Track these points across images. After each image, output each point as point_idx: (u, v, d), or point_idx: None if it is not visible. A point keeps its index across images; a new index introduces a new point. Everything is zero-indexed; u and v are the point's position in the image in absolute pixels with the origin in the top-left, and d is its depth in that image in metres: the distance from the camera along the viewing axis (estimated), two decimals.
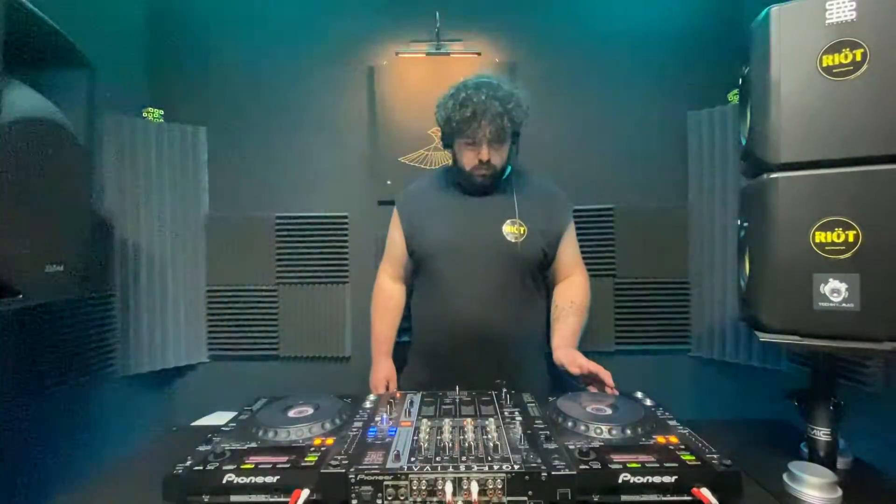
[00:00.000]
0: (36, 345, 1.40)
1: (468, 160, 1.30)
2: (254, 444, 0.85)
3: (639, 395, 1.09)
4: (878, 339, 0.78)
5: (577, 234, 1.50)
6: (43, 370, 1.42)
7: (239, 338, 2.07)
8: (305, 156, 2.09)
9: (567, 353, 1.21)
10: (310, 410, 0.97)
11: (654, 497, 0.73)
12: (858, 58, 0.79)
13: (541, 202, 1.39)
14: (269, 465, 0.76)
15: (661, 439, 0.84)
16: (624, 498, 0.73)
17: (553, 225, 1.38)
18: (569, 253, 1.43)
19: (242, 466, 0.76)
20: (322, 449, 0.82)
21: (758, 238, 0.88)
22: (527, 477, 0.72)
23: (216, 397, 1.94)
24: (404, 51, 2.05)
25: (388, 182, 2.03)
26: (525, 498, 0.72)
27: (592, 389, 1.13)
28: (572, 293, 1.39)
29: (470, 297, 1.31)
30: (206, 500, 0.75)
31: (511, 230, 1.32)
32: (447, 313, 1.34)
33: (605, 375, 1.12)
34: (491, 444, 0.81)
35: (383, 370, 1.46)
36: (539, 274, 1.41)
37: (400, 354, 2.08)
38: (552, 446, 0.80)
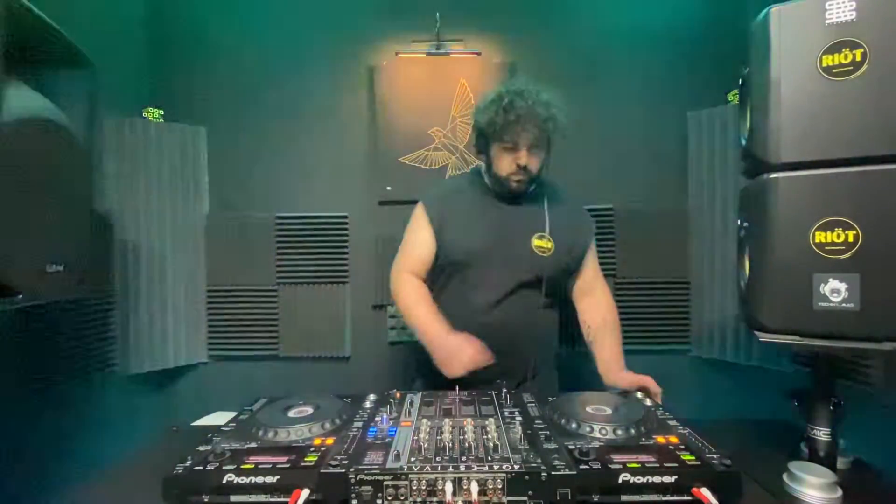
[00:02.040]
0: (36, 345, 1.40)
1: (505, 165, 1.30)
2: (254, 444, 0.85)
3: (639, 395, 1.09)
4: (878, 339, 0.78)
5: None
6: (43, 370, 1.42)
7: (239, 338, 2.07)
8: (305, 156, 2.09)
9: (615, 379, 1.25)
10: (310, 410, 0.97)
11: (654, 497, 0.73)
12: (858, 58, 0.79)
13: (568, 218, 1.40)
14: (269, 465, 0.76)
15: (661, 439, 0.84)
16: (624, 498, 0.73)
17: (578, 242, 1.40)
18: (591, 268, 1.44)
19: (242, 466, 0.76)
20: (322, 449, 0.82)
21: (758, 238, 0.88)
22: (527, 477, 0.72)
23: (216, 397, 1.94)
24: (404, 51, 2.05)
25: (388, 188, 2.04)
26: (525, 498, 0.72)
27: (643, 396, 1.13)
28: (603, 311, 1.40)
29: (495, 307, 1.32)
30: (206, 500, 0.75)
31: (540, 244, 1.33)
32: (471, 320, 1.32)
33: (651, 384, 1.16)
34: (491, 444, 0.81)
35: (463, 340, 1.21)
36: (559, 284, 1.42)
37: (401, 355, 2.09)
38: (552, 446, 0.80)
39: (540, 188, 1.41)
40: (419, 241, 1.42)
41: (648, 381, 1.16)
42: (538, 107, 1.23)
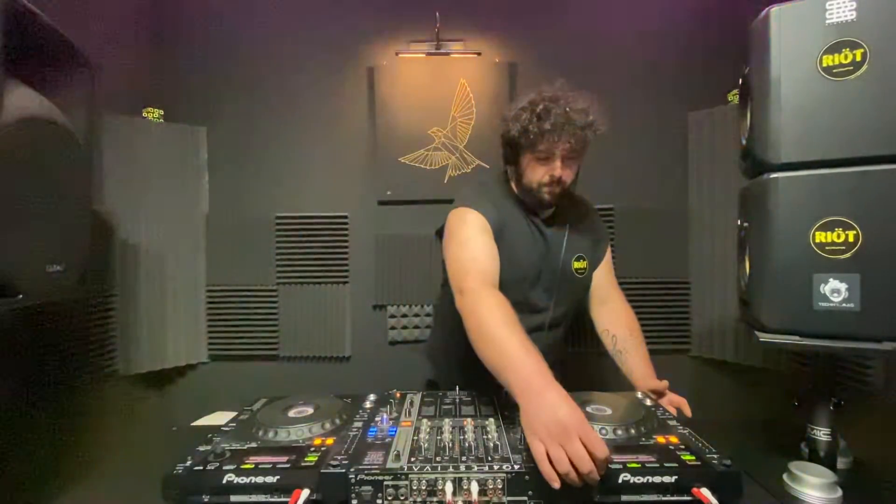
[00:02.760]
0: (36, 345, 1.40)
1: (537, 175, 1.21)
2: (254, 444, 0.85)
3: (639, 395, 1.09)
4: (878, 339, 0.78)
5: None
6: (43, 370, 1.42)
7: (239, 338, 2.07)
8: (305, 156, 2.09)
9: (652, 385, 1.22)
10: (310, 410, 0.97)
11: (654, 497, 0.73)
12: (858, 58, 0.79)
13: (592, 232, 1.39)
14: (269, 465, 0.76)
15: (661, 439, 0.84)
16: (624, 498, 0.73)
17: (597, 256, 1.40)
18: (607, 276, 1.42)
19: (242, 466, 0.76)
20: (322, 449, 0.81)
21: (758, 238, 0.88)
22: (527, 477, 0.72)
23: (216, 397, 1.94)
24: (404, 51, 2.05)
25: (388, 192, 2.04)
26: (525, 498, 0.72)
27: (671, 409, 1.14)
28: (627, 321, 1.37)
29: (539, 334, 1.30)
30: (206, 500, 0.75)
31: (579, 266, 1.33)
32: None
33: (683, 405, 1.18)
34: (491, 444, 0.81)
35: (570, 408, 0.76)
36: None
37: (401, 355, 2.09)
38: None
39: (572, 205, 1.37)
40: (489, 247, 1.19)
41: (683, 404, 1.17)
42: (575, 114, 1.15)
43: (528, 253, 1.28)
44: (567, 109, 1.15)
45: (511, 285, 1.23)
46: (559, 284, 1.30)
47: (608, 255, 1.44)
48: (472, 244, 1.19)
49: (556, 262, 1.30)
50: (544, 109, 1.15)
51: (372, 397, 1.07)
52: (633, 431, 0.86)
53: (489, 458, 0.76)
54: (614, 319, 1.38)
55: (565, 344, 1.47)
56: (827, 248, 0.80)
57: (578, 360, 1.92)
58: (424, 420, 0.93)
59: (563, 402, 0.77)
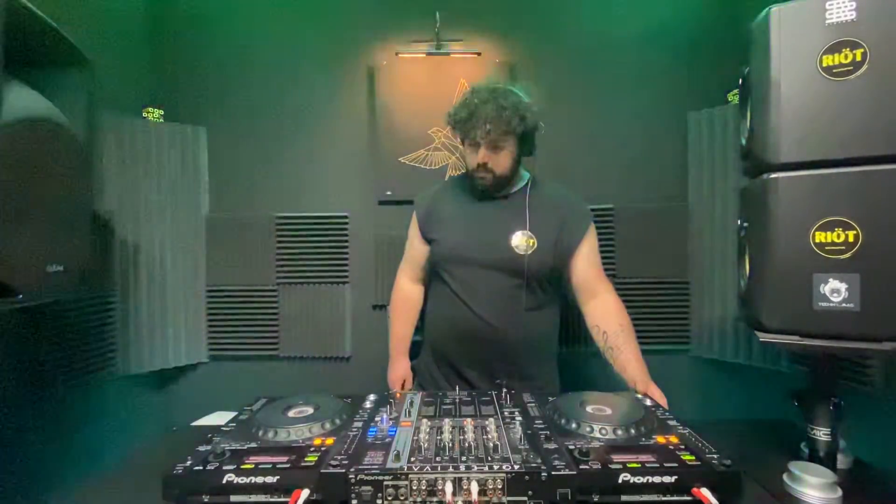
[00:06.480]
0: (36, 345, 1.40)
1: (471, 162, 1.32)
2: (254, 444, 0.85)
3: (639, 395, 1.09)
4: (878, 339, 0.78)
5: None
6: (43, 370, 1.42)
7: (239, 338, 2.08)
8: (305, 156, 2.09)
9: (646, 389, 1.20)
10: (310, 410, 0.97)
11: (654, 497, 0.73)
12: (858, 58, 0.79)
13: (555, 215, 1.36)
14: (269, 465, 0.76)
15: (661, 439, 0.84)
16: (624, 498, 0.73)
17: (565, 238, 1.35)
18: (589, 266, 1.38)
19: (242, 466, 0.76)
20: (322, 449, 0.81)
21: (758, 238, 0.88)
22: (527, 477, 0.72)
23: (216, 397, 1.94)
24: (404, 51, 2.05)
25: (388, 192, 2.04)
26: (525, 498, 0.72)
27: None
28: (617, 316, 1.32)
29: (476, 304, 1.33)
30: (206, 500, 0.75)
31: (521, 242, 1.31)
32: (454, 317, 1.36)
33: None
34: (491, 444, 0.81)
35: (400, 369, 1.55)
36: (550, 283, 1.40)
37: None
38: (552, 446, 0.80)
39: (531, 186, 1.39)
40: (411, 244, 1.51)
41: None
42: (489, 105, 1.22)
43: (458, 230, 1.37)
44: (481, 100, 1.24)
45: (452, 260, 1.37)
46: (497, 259, 1.32)
47: (590, 246, 1.38)
48: (407, 241, 1.53)
49: (491, 235, 1.34)
50: (468, 100, 1.27)
51: (372, 397, 1.07)
52: (633, 431, 0.86)
53: (489, 458, 0.76)
54: (604, 315, 1.34)
55: (551, 332, 1.45)
56: (827, 248, 0.80)
57: (578, 360, 1.92)
58: (424, 420, 0.93)
59: (398, 365, 1.57)
